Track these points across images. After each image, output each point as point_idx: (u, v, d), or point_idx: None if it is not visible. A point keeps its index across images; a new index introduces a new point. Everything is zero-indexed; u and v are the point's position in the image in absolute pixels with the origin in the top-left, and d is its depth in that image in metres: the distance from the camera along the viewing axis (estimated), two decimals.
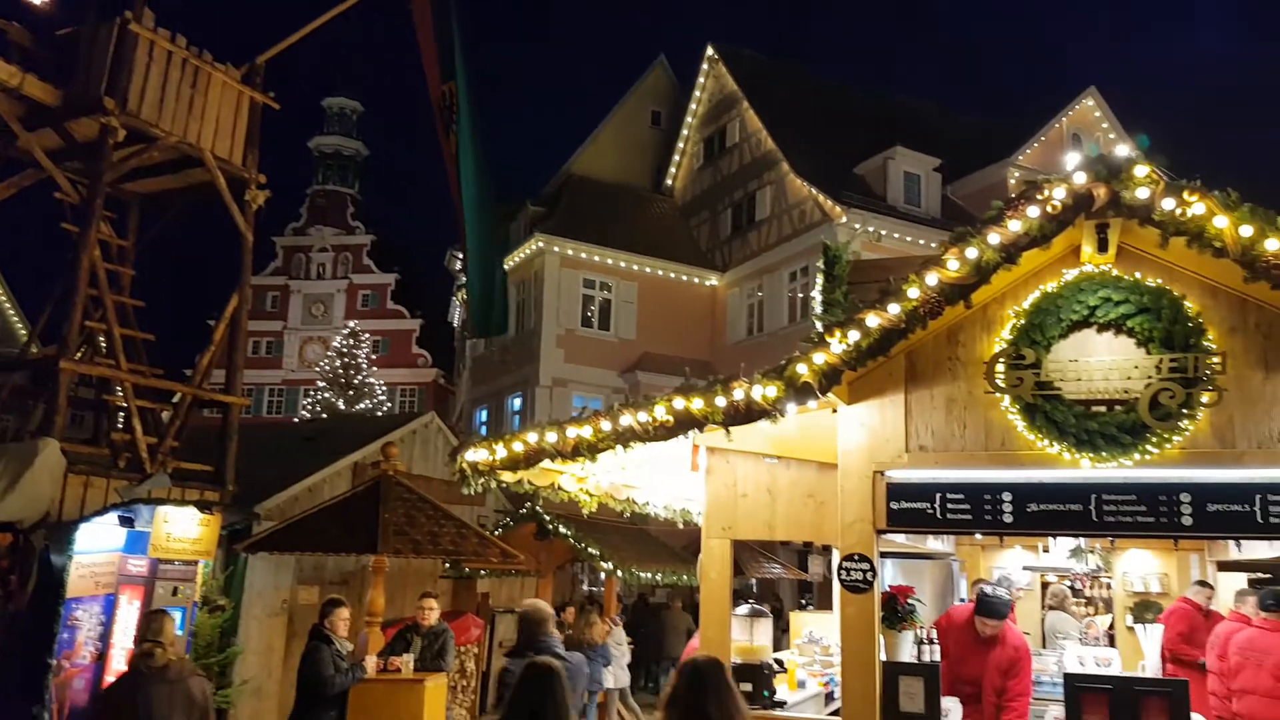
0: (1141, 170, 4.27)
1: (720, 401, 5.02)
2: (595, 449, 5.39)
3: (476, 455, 5.67)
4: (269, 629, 10.36)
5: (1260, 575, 8.94)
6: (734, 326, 25.46)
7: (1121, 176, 4.29)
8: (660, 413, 5.16)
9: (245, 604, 9.85)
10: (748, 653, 5.99)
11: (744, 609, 6.24)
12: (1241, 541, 7.15)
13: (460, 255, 22.91)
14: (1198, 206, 4.19)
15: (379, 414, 31.09)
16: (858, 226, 21.60)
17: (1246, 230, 4.14)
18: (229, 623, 9.32)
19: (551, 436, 5.43)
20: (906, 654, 5.35)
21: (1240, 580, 8.43)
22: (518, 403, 25.17)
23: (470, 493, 5.98)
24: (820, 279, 5.85)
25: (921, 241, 21.70)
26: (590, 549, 11.71)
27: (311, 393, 37.32)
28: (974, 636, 5.83)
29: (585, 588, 20.68)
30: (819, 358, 4.82)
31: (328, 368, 36.32)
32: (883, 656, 5.22)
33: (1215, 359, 4.58)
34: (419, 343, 43.65)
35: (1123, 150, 4.41)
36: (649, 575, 12.69)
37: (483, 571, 13.33)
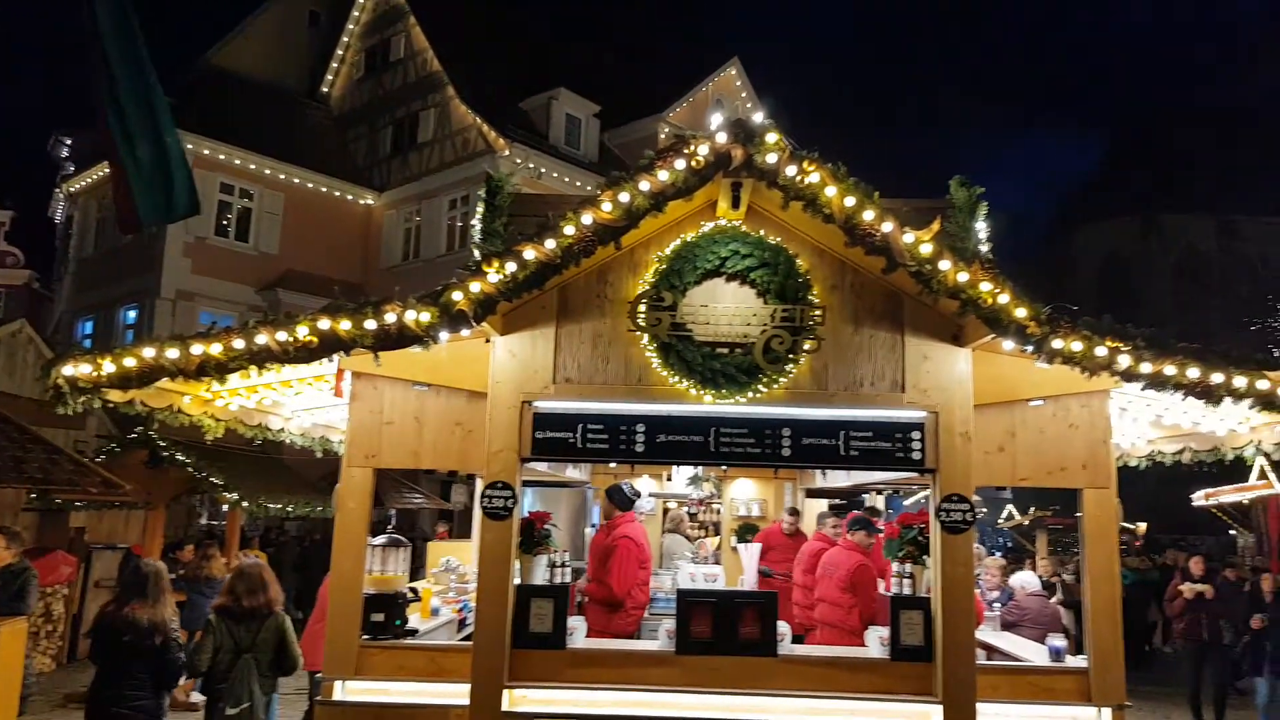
0: (772, 138, 4.71)
1: (370, 324, 4.83)
2: (225, 368, 4.95)
3: (77, 370, 4.97)
4: None
5: (839, 501, 10.51)
6: (389, 250, 24.60)
7: (756, 141, 4.71)
8: (303, 333, 4.85)
9: None
10: (382, 583, 5.92)
11: (381, 539, 6.13)
12: (826, 471, 8.35)
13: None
14: (814, 175, 4.72)
15: None
16: (519, 161, 21.73)
17: (850, 201, 4.74)
18: None
19: (172, 352, 4.90)
20: (540, 577, 5.60)
21: (824, 505, 9.83)
22: (132, 315, 22.44)
23: (68, 413, 5.25)
24: (481, 208, 5.82)
25: (579, 184, 22.36)
26: (213, 479, 10.82)
27: None
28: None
29: (204, 521, 19.20)
30: (475, 286, 4.80)
31: None
32: (517, 581, 5.43)
33: (818, 312, 5.24)
34: (8, 238, 37.11)
35: (759, 118, 4.83)
36: (279, 507, 12.03)
37: (78, 503, 11.83)
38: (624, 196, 4.79)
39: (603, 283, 5.46)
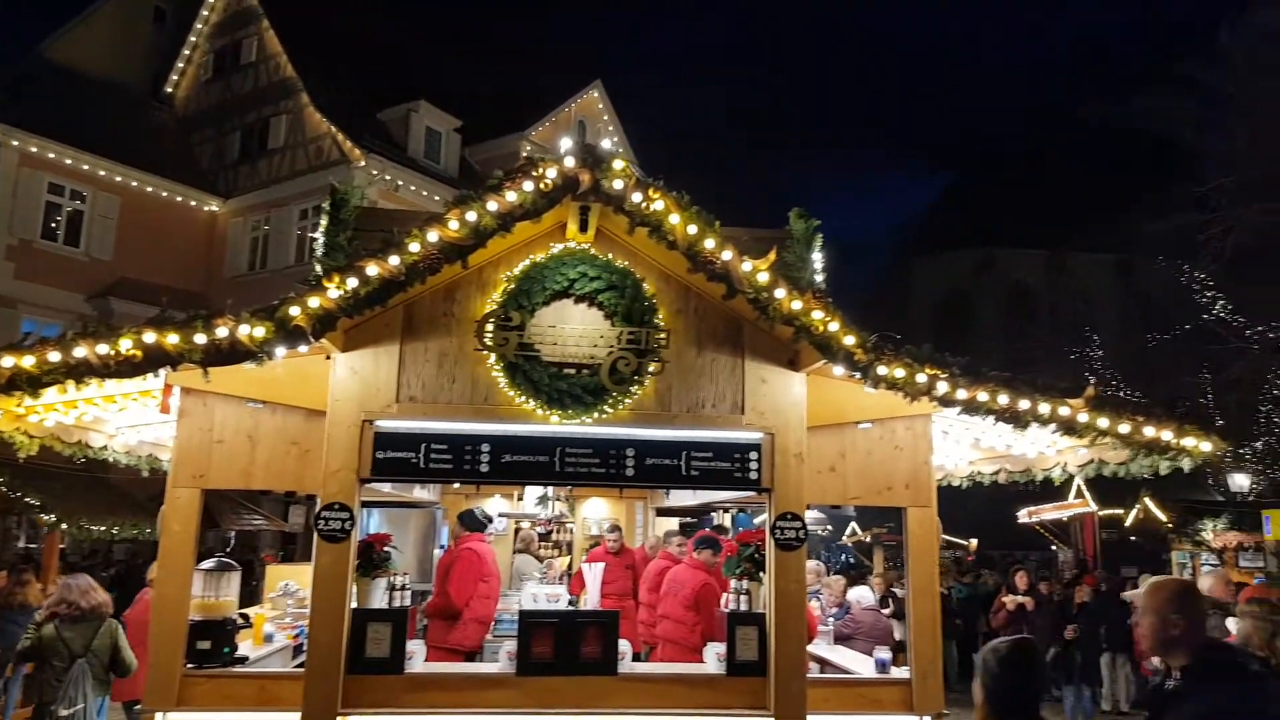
0: (619, 164, 4.82)
1: (200, 339, 4.63)
2: (38, 382, 4.64)
3: None
4: None
5: (689, 520, 10.72)
6: (235, 259, 23.52)
7: (603, 167, 4.81)
8: (126, 345, 4.59)
9: None
10: (209, 609, 5.64)
11: (210, 563, 5.85)
12: (671, 490, 8.51)
13: None
14: (658, 204, 4.86)
15: None
16: (376, 173, 21.25)
17: (692, 229, 4.90)
18: None
19: None
20: (378, 600, 5.47)
21: (674, 524, 10.02)
22: None
23: None
24: (325, 221, 5.68)
25: (438, 198, 22.03)
26: (29, 499, 10.06)
27: None
28: None
29: (21, 545, 17.75)
30: (314, 301, 4.68)
31: None
32: (354, 605, 5.28)
33: (663, 335, 5.36)
34: None
35: (607, 144, 4.95)
36: (103, 529, 11.28)
37: None
38: (471, 216, 4.78)
39: (450, 301, 5.42)
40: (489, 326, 5.24)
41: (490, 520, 7.09)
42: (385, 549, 5.58)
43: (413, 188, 22.15)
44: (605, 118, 28.00)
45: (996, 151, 47.09)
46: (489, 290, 5.38)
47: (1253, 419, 20.21)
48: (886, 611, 9.76)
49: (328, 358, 5.30)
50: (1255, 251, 17.92)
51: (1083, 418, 5.26)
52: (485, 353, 5.25)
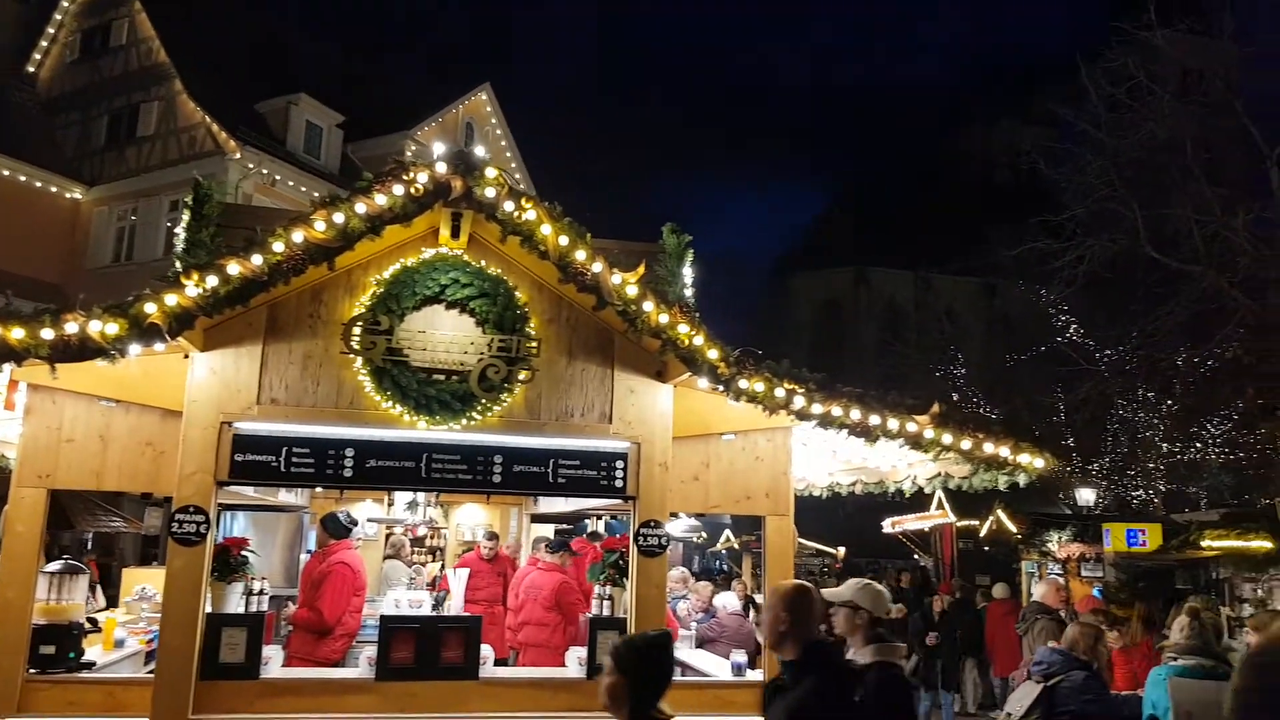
0: (492, 172, 4.89)
1: (47, 334, 4.47)
2: None
3: None
4: None
5: (565, 526, 10.79)
6: (98, 249, 22.30)
7: (476, 174, 4.86)
8: None
9: None
10: (53, 613, 5.39)
11: (55, 565, 5.59)
12: (541, 497, 8.58)
13: None
14: (530, 213, 4.94)
15: None
16: (252, 166, 20.57)
17: (564, 240, 5.00)
18: None
19: None
20: (234, 605, 5.35)
21: (548, 530, 10.07)
22: None
23: None
24: (187, 216, 5.54)
25: (318, 194, 21.16)
26: None
27: None
28: None
29: None
30: (171, 299, 4.57)
31: None
32: (210, 609, 5.16)
33: (534, 343, 5.44)
34: None
35: (480, 151, 4.99)
36: None
37: None
38: (339, 217, 4.76)
39: (317, 303, 5.35)
40: (356, 330, 5.20)
41: (355, 524, 6.99)
42: (243, 553, 5.46)
43: (290, 183, 21.51)
44: (494, 120, 27.84)
45: (875, 173, 48.99)
46: (358, 293, 5.34)
47: (1100, 437, 21.68)
48: (753, 617, 10.05)
49: (186, 357, 5.16)
50: (1104, 279, 19.26)
51: (928, 434, 5.59)
52: (352, 356, 5.21)
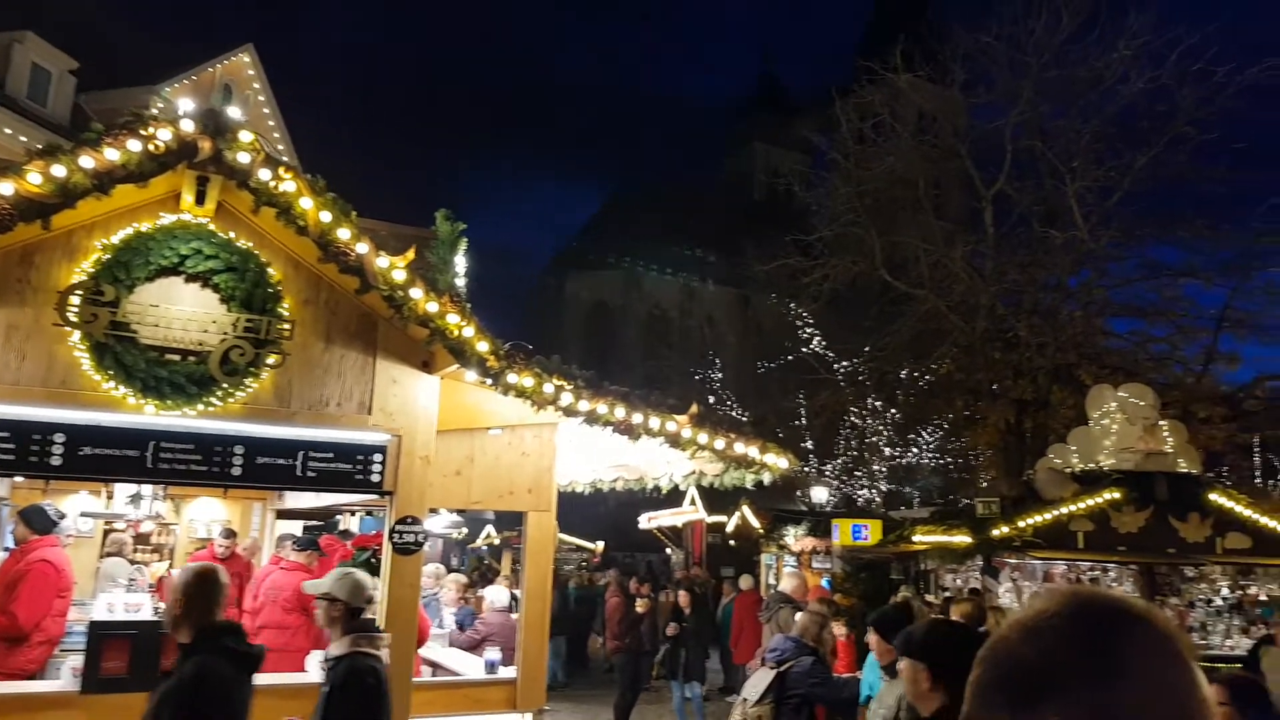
0: (247, 136, 4.48)
1: None
2: None
3: None
4: None
5: (315, 523, 10.15)
6: None
7: (227, 137, 4.44)
8: None
9: None
10: None
11: None
12: (288, 492, 8.04)
13: None
14: (289, 184, 4.58)
15: None
16: None
17: (326, 216, 4.68)
18: None
19: None
20: None
21: (295, 527, 9.44)
22: None
23: None
24: None
25: (41, 145, 19.02)
26: None
27: None
28: None
29: None
30: None
31: None
32: None
33: (286, 325, 5.04)
34: None
35: (235, 113, 4.56)
36: None
37: None
38: (59, 170, 4.18)
39: (27, 266, 4.68)
40: (74, 299, 4.59)
41: (63, 518, 6.20)
42: None
43: (8, 130, 18.88)
44: (256, 85, 25.87)
45: (650, 180, 50.46)
46: (78, 258, 4.72)
47: (834, 440, 23.49)
48: (516, 615, 9.95)
49: None
50: (844, 297, 20.91)
51: (686, 433, 5.76)
52: (67, 329, 4.59)
